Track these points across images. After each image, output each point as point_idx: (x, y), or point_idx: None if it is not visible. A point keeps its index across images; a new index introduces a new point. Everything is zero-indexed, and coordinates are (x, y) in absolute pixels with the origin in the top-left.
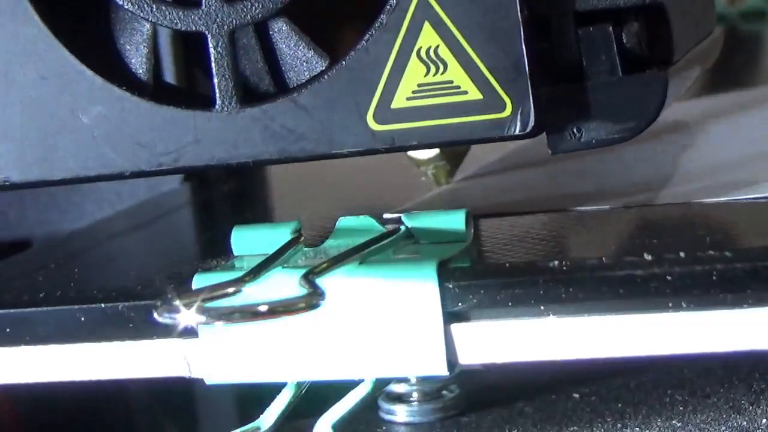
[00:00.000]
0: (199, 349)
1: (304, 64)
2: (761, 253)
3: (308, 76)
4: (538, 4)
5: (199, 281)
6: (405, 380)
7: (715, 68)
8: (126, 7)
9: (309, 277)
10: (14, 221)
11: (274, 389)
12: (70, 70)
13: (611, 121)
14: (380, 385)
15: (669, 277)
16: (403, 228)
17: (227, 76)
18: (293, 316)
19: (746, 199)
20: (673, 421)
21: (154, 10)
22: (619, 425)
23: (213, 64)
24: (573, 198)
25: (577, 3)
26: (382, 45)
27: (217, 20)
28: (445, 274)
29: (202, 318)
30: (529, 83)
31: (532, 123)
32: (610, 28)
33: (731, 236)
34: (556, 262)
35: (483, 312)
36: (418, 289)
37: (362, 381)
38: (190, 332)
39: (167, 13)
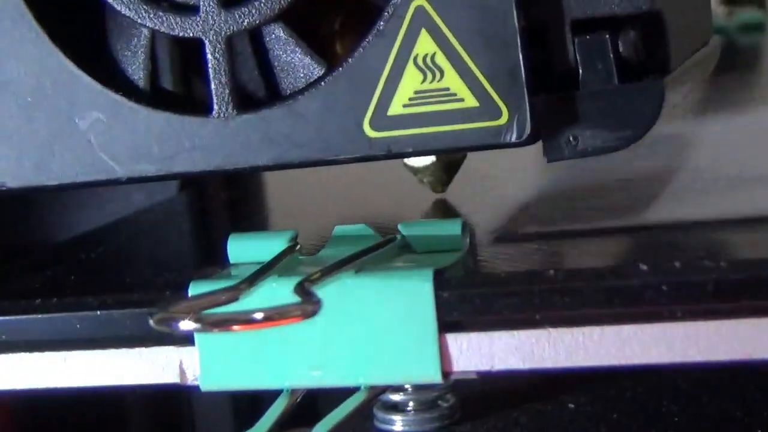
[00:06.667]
0: (195, 357)
1: (301, 70)
2: (756, 263)
3: (305, 83)
4: (535, 12)
5: (194, 289)
6: (401, 389)
7: (713, 79)
8: (124, 12)
9: (305, 286)
10: (10, 228)
11: (269, 397)
12: (67, 75)
13: (607, 129)
14: (375, 393)
15: (664, 287)
16: (399, 237)
17: (224, 82)
18: (289, 324)
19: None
20: None
21: (152, 16)
22: None
23: (210, 71)
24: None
25: (574, 11)
26: (379, 52)
27: (215, 26)
28: (440, 282)
29: (198, 325)
30: (525, 91)
31: (528, 131)
32: (607, 36)
33: (726, 247)
34: (552, 272)
35: (478, 321)
36: (413, 298)
37: (357, 389)
38: (185, 339)
39: (165, 19)
